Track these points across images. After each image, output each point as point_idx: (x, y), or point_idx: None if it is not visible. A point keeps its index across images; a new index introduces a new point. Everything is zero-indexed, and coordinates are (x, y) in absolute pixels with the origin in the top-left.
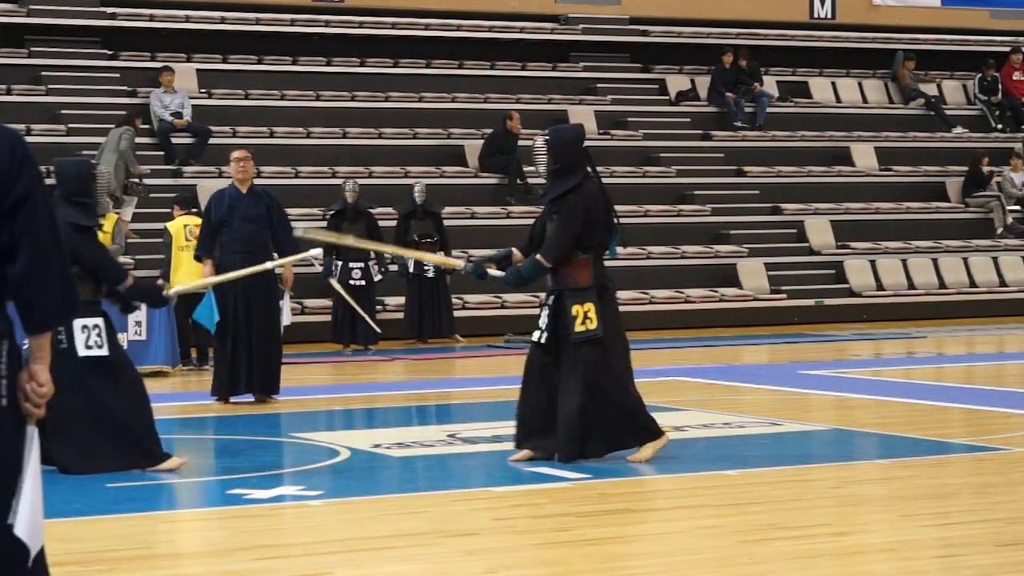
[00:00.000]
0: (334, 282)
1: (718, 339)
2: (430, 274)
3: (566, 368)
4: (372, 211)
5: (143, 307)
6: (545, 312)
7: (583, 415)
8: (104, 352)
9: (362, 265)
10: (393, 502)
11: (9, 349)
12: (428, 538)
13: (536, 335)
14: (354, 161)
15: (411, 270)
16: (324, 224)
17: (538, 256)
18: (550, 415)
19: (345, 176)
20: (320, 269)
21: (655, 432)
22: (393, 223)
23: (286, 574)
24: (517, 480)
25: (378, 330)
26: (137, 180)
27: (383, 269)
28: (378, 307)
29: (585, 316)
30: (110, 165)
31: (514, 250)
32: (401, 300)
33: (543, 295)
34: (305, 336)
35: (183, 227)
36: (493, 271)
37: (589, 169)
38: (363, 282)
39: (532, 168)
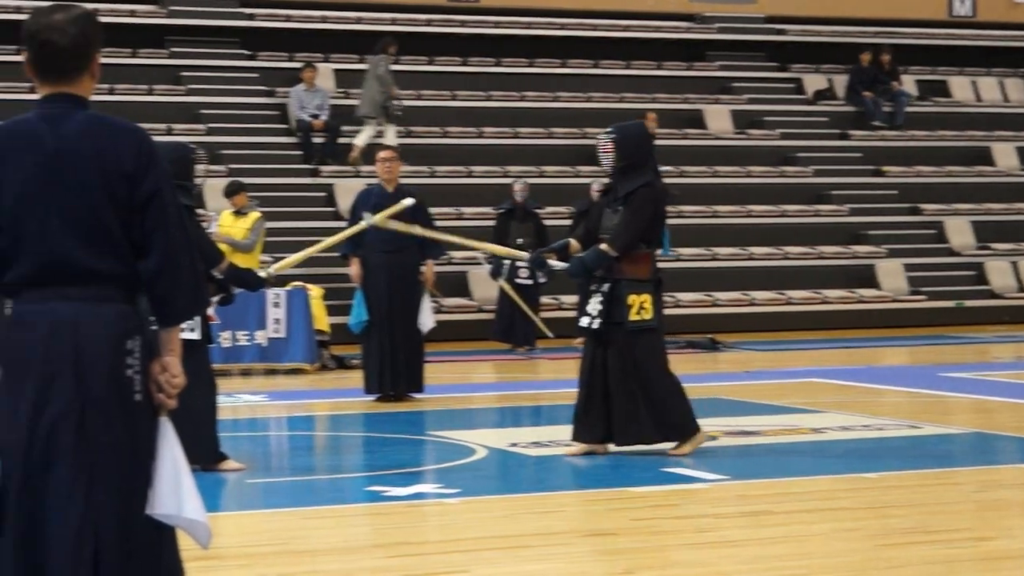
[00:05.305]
0: (503, 282)
1: (856, 340)
2: (526, 279)
3: (616, 355)
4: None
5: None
6: (597, 299)
7: (632, 401)
8: (196, 336)
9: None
10: (530, 501)
11: (143, 343)
12: (565, 537)
13: (586, 320)
14: (491, 160)
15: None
16: (494, 223)
17: (603, 246)
18: (604, 404)
19: (482, 175)
20: (488, 267)
21: (688, 431)
22: (559, 223)
23: (422, 571)
24: (655, 481)
25: (549, 333)
26: (396, 103)
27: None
28: (551, 305)
29: (641, 306)
30: (372, 91)
31: (571, 241)
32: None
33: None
34: (444, 335)
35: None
36: (553, 262)
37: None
38: (530, 281)
39: (670, 167)
